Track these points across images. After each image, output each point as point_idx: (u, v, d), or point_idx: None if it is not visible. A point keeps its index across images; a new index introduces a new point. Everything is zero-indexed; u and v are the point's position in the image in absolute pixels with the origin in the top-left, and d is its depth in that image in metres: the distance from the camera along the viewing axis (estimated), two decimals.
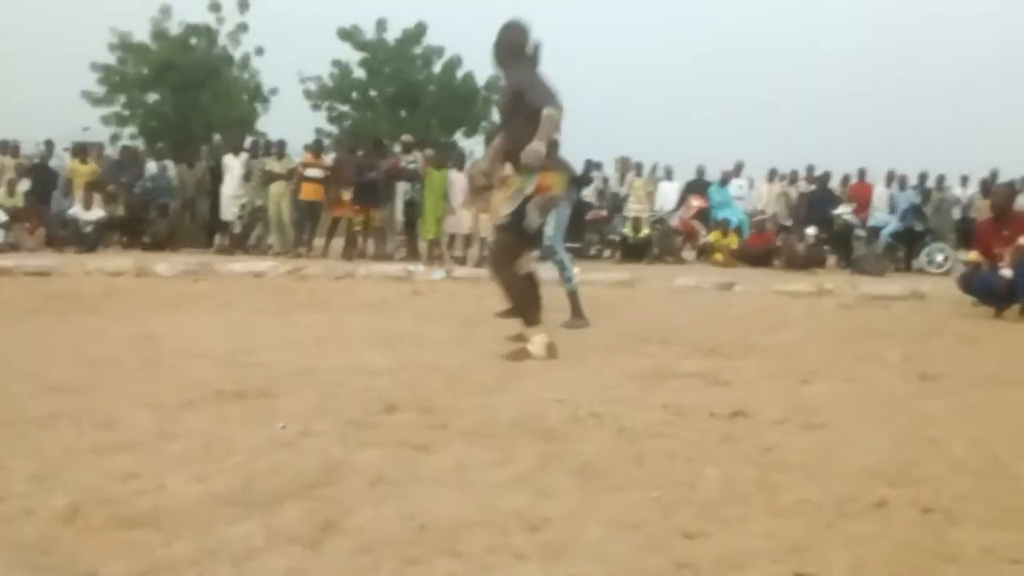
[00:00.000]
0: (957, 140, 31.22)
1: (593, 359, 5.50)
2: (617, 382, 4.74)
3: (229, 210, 15.75)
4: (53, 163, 16.94)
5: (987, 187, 15.77)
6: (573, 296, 7.29)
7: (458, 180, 14.77)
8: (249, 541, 2.38)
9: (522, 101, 5.54)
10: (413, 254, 15.04)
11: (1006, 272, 8.38)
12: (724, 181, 17.99)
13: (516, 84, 5.73)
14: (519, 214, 5.62)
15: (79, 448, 3.19)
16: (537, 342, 5.48)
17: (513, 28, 5.79)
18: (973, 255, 9.02)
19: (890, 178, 17.02)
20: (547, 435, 3.54)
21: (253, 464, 3.04)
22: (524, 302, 5.66)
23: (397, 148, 16.80)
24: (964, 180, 18.07)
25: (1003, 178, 15.90)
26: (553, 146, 5.98)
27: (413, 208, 15.16)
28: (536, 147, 5.25)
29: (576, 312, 7.23)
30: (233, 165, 15.84)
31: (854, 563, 2.35)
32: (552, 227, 7.39)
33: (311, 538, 2.43)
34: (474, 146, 23.92)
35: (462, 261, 14.15)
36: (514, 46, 5.74)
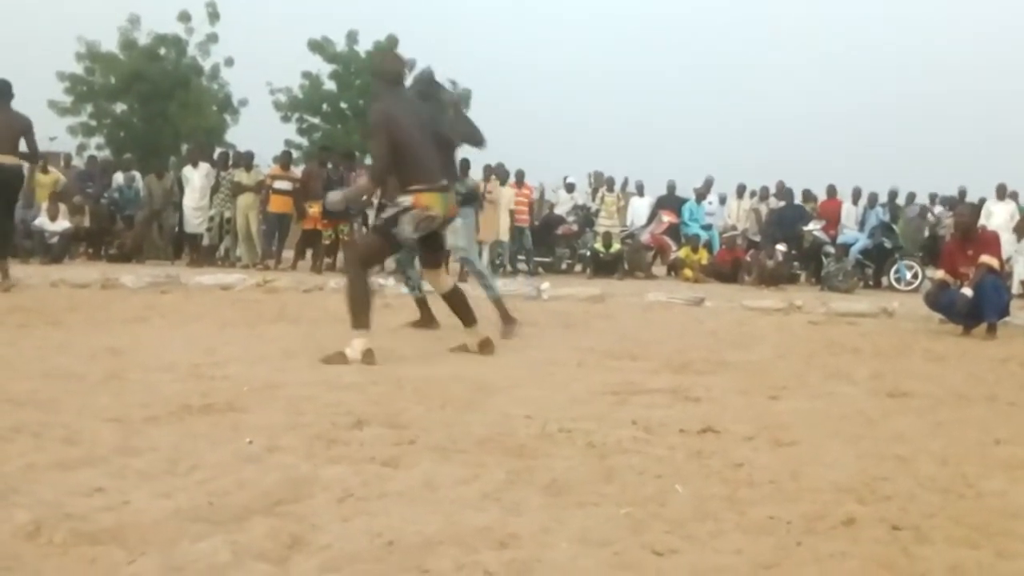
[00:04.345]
0: (927, 159, 31.77)
1: (563, 374, 5.49)
2: (587, 398, 4.73)
3: (192, 222, 15.64)
4: None
5: (955, 206, 16.00)
6: (498, 303, 7.33)
7: None
8: (215, 558, 2.34)
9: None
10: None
11: (967, 292, 8.47)
12: (699, 198, 18.10)
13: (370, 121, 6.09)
14: (392, 222, 5.78)
15: (41, 463, 3.13)
16: (356, 345, 5.56)
17: (383, 57, 6.31)
18: (940, 274, 9.11)
19: (857, 195, 17.19)
20: (516, 451, 3.53)
21: (219, 480, 3.00)
22: (355, 303, 5.72)
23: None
24: (933, 198, 18.28)
25: (971, 197, 16.15)
26: (445, 166, 6.16)
27: None
28: (332, 196, 6.26)
29: (505, 318, 7.23)
30: (192, 177, 15.72)
31: None
32: (463, 239, 7.40)
33: (278, 555, 2.40)
34: None
35: None
36: (385, 75, 6.04)
